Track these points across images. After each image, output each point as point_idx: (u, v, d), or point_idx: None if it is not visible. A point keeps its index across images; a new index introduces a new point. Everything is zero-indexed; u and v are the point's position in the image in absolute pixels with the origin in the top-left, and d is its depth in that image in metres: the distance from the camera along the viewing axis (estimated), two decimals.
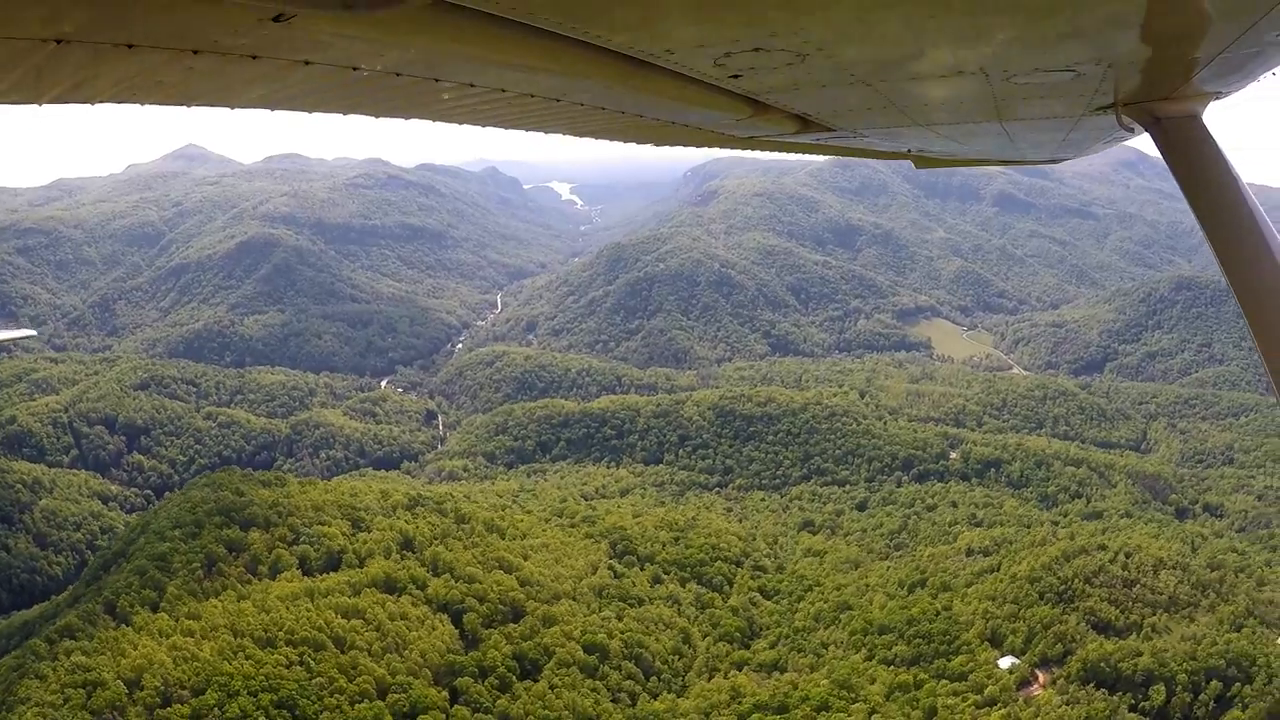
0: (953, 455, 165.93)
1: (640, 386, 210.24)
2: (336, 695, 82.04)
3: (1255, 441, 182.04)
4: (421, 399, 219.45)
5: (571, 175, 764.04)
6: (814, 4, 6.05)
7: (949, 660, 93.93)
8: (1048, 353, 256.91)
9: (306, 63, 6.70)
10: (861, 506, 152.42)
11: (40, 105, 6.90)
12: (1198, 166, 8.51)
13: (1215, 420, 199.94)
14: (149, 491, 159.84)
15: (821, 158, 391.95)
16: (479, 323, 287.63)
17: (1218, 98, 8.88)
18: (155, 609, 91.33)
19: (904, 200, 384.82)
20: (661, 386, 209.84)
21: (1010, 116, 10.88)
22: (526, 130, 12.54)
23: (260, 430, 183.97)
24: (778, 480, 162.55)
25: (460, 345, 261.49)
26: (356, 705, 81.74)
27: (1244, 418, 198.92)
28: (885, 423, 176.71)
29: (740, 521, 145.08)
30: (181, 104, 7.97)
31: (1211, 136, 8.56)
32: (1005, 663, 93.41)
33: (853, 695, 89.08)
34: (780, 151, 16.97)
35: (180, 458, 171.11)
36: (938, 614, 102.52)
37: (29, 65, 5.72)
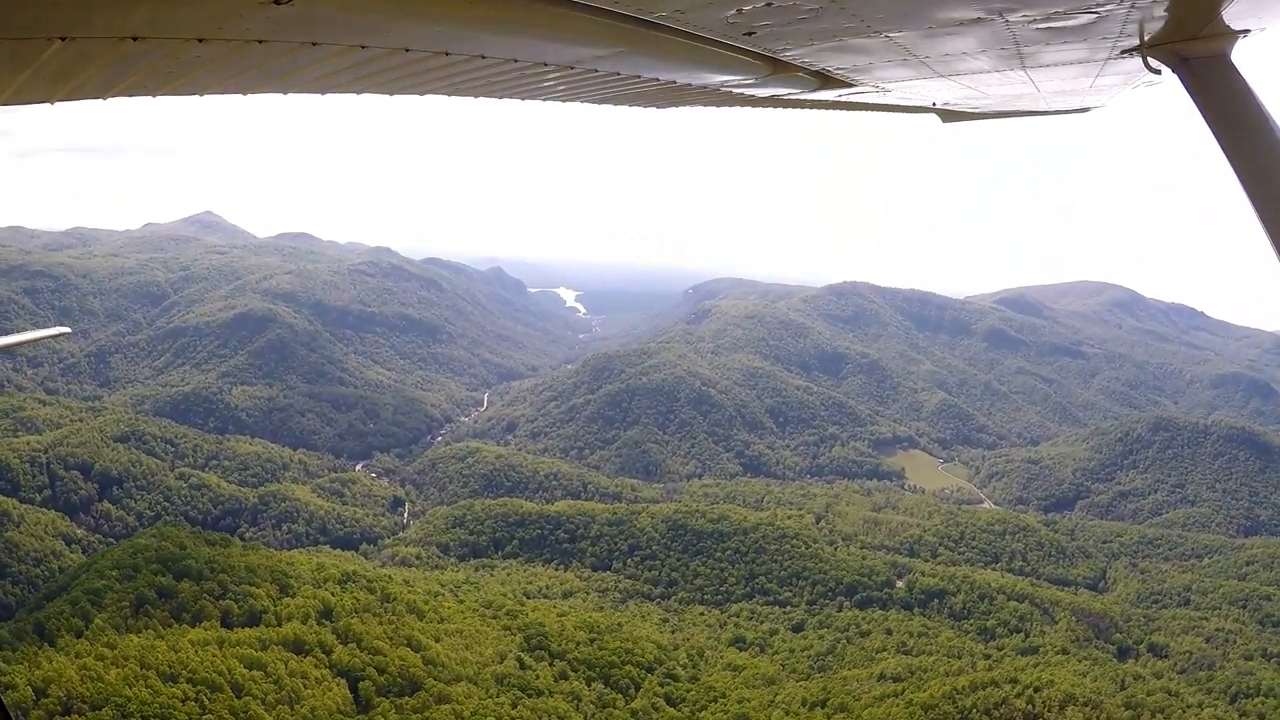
0: (899, 584, 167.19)
1: (605, 495, 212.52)
2: None
3: (1214, 584, 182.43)
4: (393, 486, 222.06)
5: (579, 283, 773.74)
6: None
7: None
8: (1019, 488, 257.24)
9: (314, 44, 6.91)
10: (798, 628, 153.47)
11: (52, 104, 7.20)
12: (1228, 108, 8.39)
13: (1178, 561, 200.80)
14: (112, 539, 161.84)
15: (818, 285, 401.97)
16: (462, 418, 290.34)
17: (1246, 35, 8.64)
18: (79, 635, 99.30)
19: (895, 331, 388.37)
20: (626, 496, 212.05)
21: (1034, 63, 10.77)
22: (541, 100, 12.68)
23: (228, 496, 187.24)
24: (720, 596, 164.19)
25: (440, 438, 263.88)
26: None
27: (1207, 559, 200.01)
28: (835, 548, 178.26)
29: (673, 633, 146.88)
30: (192, 94, 8.22)
31: (1242, 76, 8.49)
32: None
33: None
34: (802, 109, 16.96)
35: (148, 511, 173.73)
36: None
37: (37, 65, 5.96)
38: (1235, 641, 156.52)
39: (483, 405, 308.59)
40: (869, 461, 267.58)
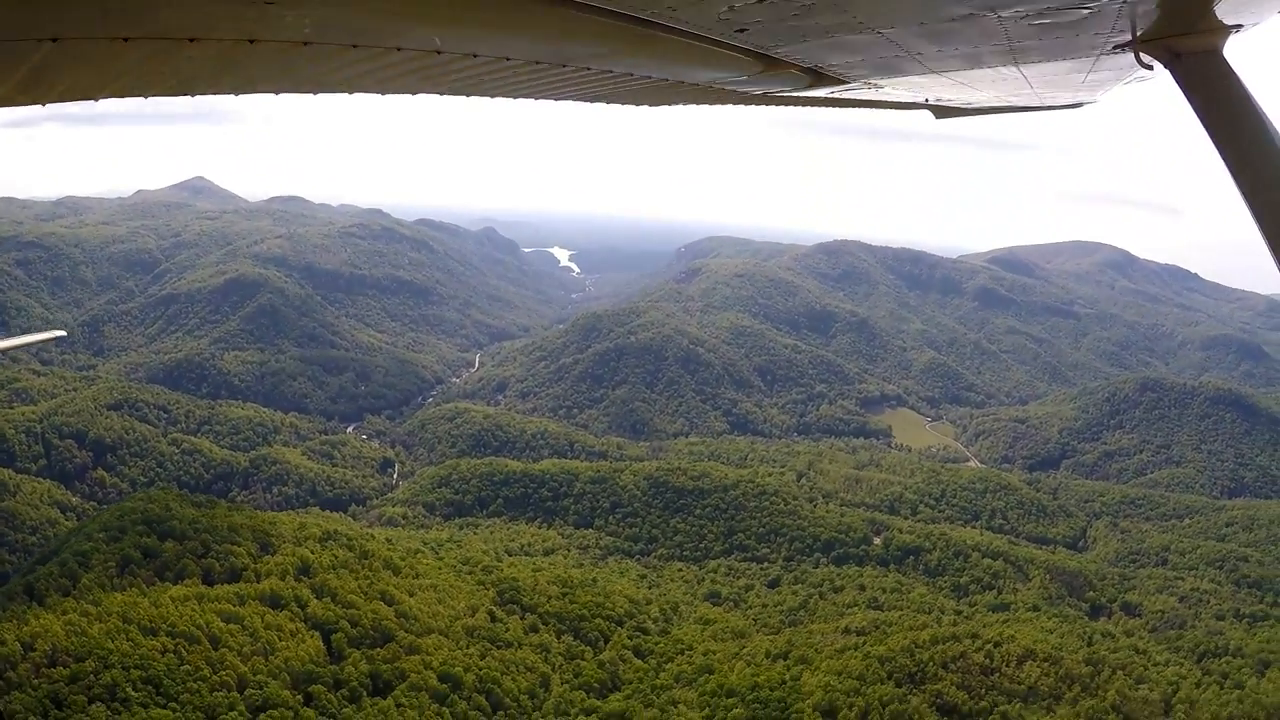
0: (876, 541, 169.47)
1: (591, 453, 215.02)
2: (199, 682, 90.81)
3: (1192, 544, 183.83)
4: (383, 447, 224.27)
5: (573, 242, 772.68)
6: None
7: None
8: (1005, 447, 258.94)
9: (306, 43, 6.90)
10: (773, 584, 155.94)
11: (45, 105, 7.19)
12: (1220, 103, 8.48)
13: (1158, 521, 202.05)
14: (105, 506, 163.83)
15: (809, 243, 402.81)
16: (454, 379, 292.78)
17: (1238, 31, 8.71)
18: (66, 594, 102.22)
19: (885, 290, 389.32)
20: (612, 455, 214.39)
21: (1026, 60, 10.78)
22: (534, 98, 12.64)
23: (220, 461, 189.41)
24: (699, 553, 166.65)
25: (431, 399, 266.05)
26: (214, 693, 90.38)
27: (1187, 520, 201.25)
28: (815, 505, 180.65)
29: (650, 588, 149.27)
30: (184, 94, 8.13)
31: (1234, 71, 8.57)
32: None
33: None
34: (795, 106, 16.78)
35: (141, 478, 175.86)
36: (783, 682, 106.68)
37: (28, 66, 5.98)
38: (1209, 602, 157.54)
39: (474, 366, 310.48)
40: (856, 420, 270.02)
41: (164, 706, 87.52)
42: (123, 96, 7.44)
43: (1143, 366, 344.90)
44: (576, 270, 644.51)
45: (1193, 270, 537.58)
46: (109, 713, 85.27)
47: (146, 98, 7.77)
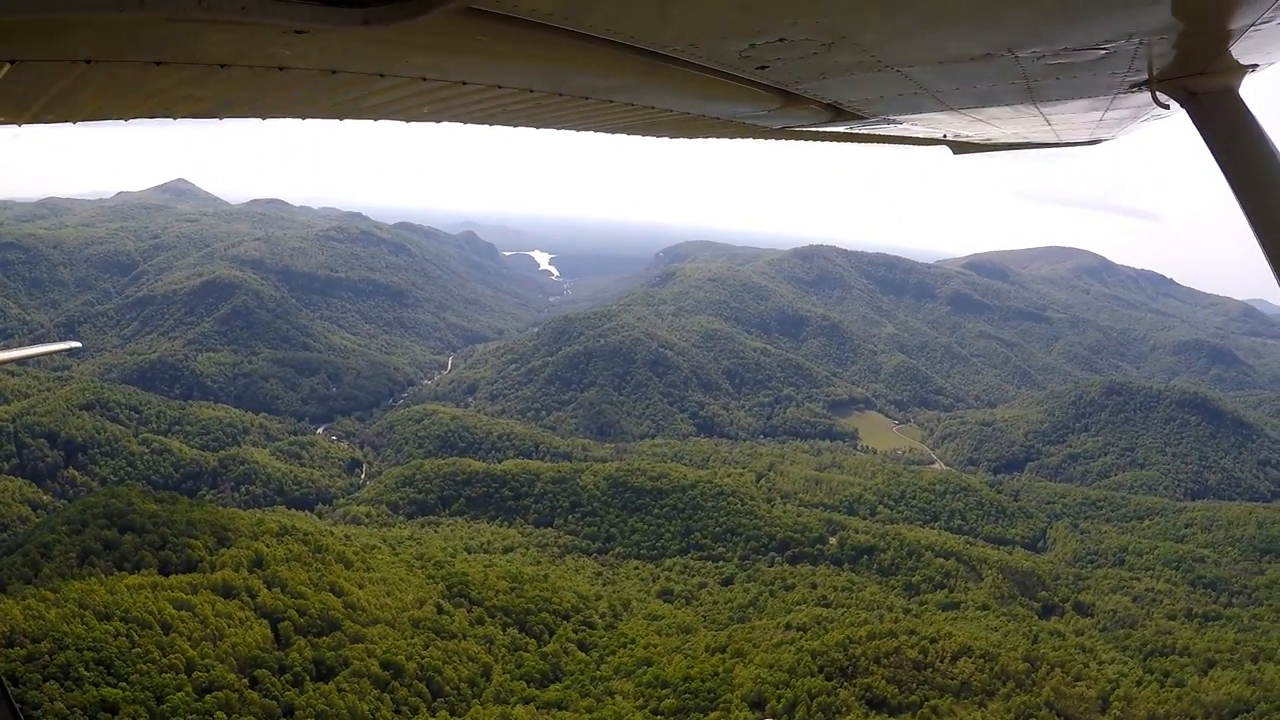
0: (831, 540, 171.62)
1: (556, 454, 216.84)
2: (148, 664, 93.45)
3: (1150, 545, 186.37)
4: (351, 448, 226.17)
5: (554, 245, 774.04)
6: None
7: (705, 714, 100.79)
8: (971, 449, 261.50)
9: (333, 72, 7.06)
10: (727, 582, 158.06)
11: (75, 124, 7.38)
12: (1235, 142, 8.48)
13: (1119, 523, 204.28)
14: None
15: (781, 247, 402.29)
16: (425, 381, 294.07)
17: (1254, 71, 8.80)
18: (28, 582, 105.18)
19: (858, 294, 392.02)
20: (577, 456, 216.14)
21: (1043, 98, 10.87)
22: (555, 129, 12.78)
23: (189, 460, 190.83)
24: (655, 551, 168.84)
25: (402, 401, 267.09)
26: (163, 674, 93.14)
27: (1147, 521, 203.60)
28: (773, 505, 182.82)
29: (604, 586, 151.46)
30: (212, 117, 8.35)
31: (1249, 110, 8.60)
32: None
33: None
34: (815, 140, 16.93)
35: (111, 476, 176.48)
36: (715, 674, 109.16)
37: (61, 86, 6.16)
38: (1162, 602, 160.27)
39: (446, 368, 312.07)
40: (822, 422, 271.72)
41: (114, 686, 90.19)
42: (151, 118, 7.79)
43: (1113, 370, 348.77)
44: (556, 274, 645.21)
45: (1169, 276, 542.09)
46: (62, 690, 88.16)
47: (175, 119, 8.14)
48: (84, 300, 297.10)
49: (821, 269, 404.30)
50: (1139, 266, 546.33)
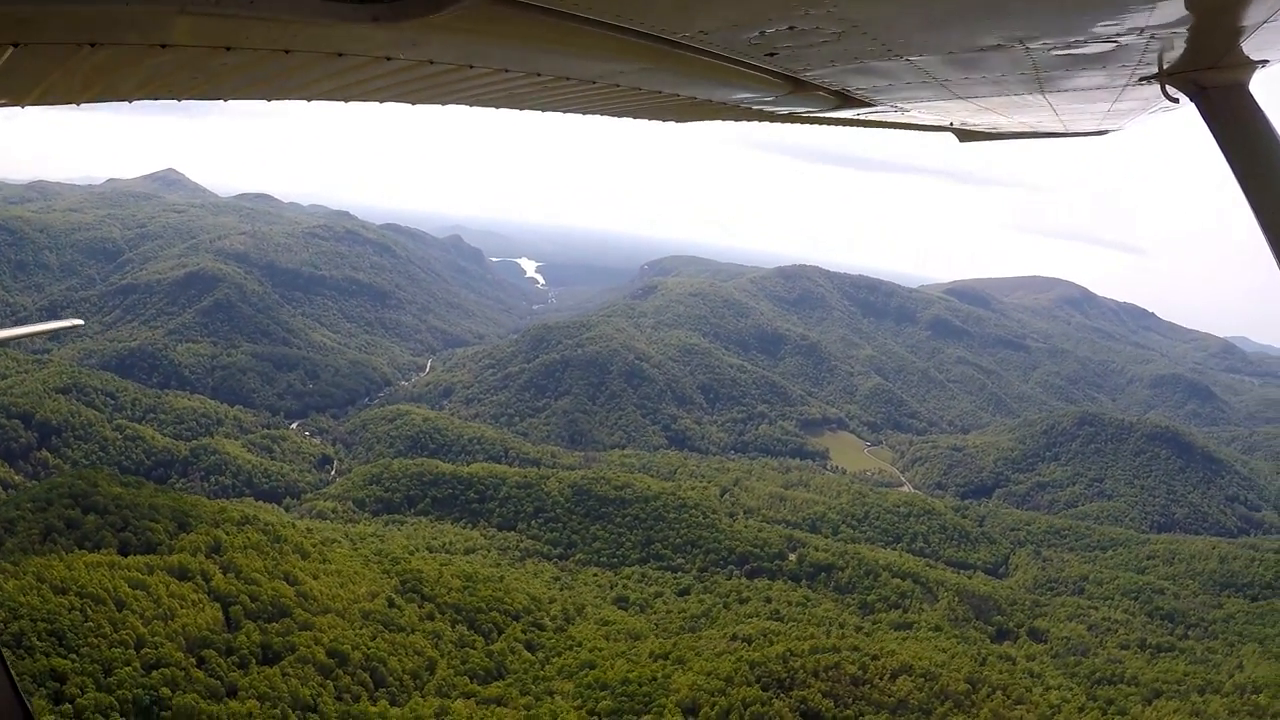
0: (790, 556, 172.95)
1: (525, 460, 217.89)
2: (99, 638, 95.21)
3: (1111, 575, 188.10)
4: (324, 444, 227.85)
5: (542, 254, 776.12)
6: None
7: (638, 717, 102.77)
8: (940, 474, 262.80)
9: (340, 55, 7.07)
10: (684, 593, 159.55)
11: (78, 105, 7.34)
12: (1244, 137, 8.48)
13: (1082, 552, 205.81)
14: None
15: (768, 266, 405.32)
16: (402, 382, 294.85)
17: (1264, 66, 8.72)
18: None
19: (839, 315, 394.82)
20: (545, 462, 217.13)
21: (1052, 89, 10.83)
22: (562, 112, 12.77)
23: (161, 448, 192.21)
24: (615, 559, 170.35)
25: (377, 401, 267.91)
26: (112, 649, 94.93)
27: (1110, 551, 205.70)
28: (735, 520, 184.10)
29: (561, 590, 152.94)
30: (216, 99, 8.34)
31: (1259, 106, 8.60)
32: None
33: None
34: (821, 126, 16.88)
35: (83, 460, 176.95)
36: (654, 679, 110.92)
37: (65, 68, 6.17)
38: (1117, 631, 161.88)
39: (424, 370, 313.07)
40: (794, 440, 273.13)
41: (64, 657, 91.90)
42: (156, 99, 7.86)
43: (1089, 401, 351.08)
44: (542, 282, 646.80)
45: (1151, 310, 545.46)
46: (13, 657, 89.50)
47: (180, 100, 8.16)
48: (68, 285, 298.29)
49: (803, 289, 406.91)
50: (1122, 299, 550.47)
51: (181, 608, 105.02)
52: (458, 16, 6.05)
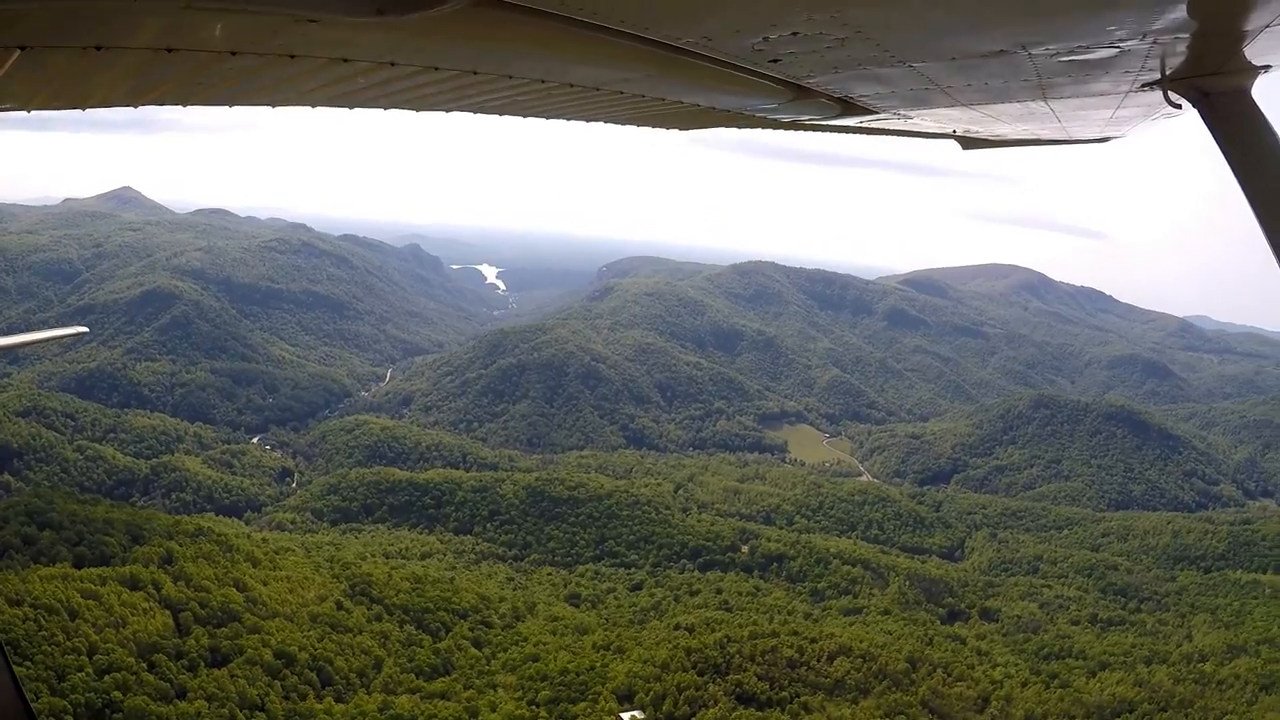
0: (743, 548, 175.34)
1: (483, 465, 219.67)
2: (52, 646, 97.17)
3: (1065, 554, 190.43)
4: (284, 457, 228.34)
5: (502, 259, 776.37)
6: None
7: (573, 705, 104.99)
8: (899, 462, 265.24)
9: (344, 60, 7.04)
10: (637, 587, 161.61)
11: (84, 110, 7.30)
12: (1247, 143, 8.52)
13: (1038, 533, 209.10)
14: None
15: (724, 263, 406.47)
16: (362, 393, 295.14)
17: (1267, 72, 8.79)
18: None
19: (795, 310, 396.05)
20: (503, 466, 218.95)
21: (1055, 95, 10.83)
22: (565, 119, 12.72)
23: (122, 467, 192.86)
24: (569, 558, 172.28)
25: (337, 412, 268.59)
26: (65, 656, 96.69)
27: (1066, 530, 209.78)
28: (688, 514, 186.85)
29: (515, 590, 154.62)
30: (222, 104, 8.33)
31: (1261, 112, 8.65)
32: (627, 715, 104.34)
33: (469, 718, 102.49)
34: (824, 132, 16.92)
35: (45, 482, 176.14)
36: (591, 668, 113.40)
37: (71, 72, 6.28)
38: (1069, 608, 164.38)
39: (384, 380, 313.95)
40: (752, 435, 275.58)
41: (19, 664, 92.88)
42: (162, 104, 7.83)
43: (1047, 385, 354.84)
44: (502, 288, 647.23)
45: (1109, 293, 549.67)
46: None
47: (186, 106, 8.19)
48: (25, 308, 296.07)
49: (759, 284, 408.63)
50: (1079, 284, 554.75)
51: (133, 615, 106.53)
52: (462, 21, 6.09)
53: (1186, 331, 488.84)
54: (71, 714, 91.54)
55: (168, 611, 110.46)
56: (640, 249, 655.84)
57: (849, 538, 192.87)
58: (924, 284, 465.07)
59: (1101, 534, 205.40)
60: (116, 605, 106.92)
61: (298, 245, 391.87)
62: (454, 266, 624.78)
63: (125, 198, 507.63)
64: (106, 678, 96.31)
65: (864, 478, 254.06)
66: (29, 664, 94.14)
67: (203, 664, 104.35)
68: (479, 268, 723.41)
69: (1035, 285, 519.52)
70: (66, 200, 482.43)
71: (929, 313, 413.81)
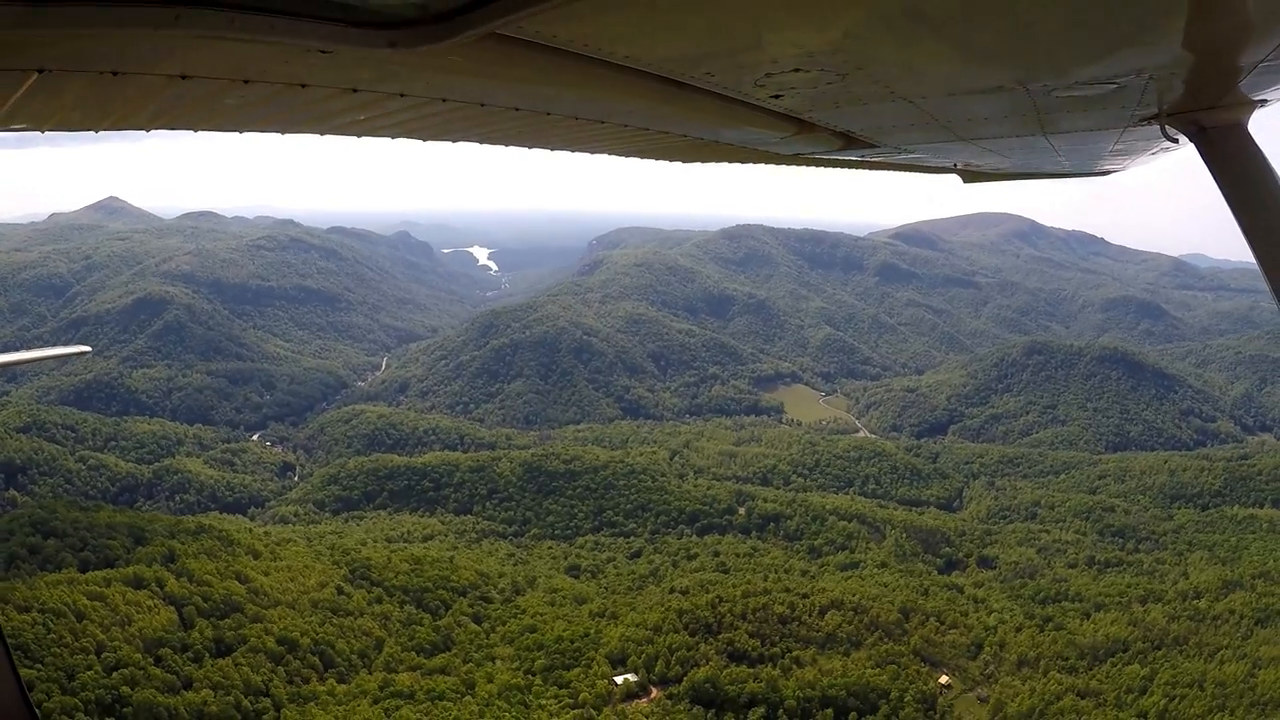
0: (740, 510, 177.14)
1: (481, 445, 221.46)
2: (61, 647, 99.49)
3: (1063, 498, 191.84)
4: (284, 452, 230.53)
5: (493, 240, 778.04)
6: (851, 25, 6.33)
7: (567, 671, 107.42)
8: (895, 416, 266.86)
9: (354, 90, 7.16)
10: (635, 555, 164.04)
11: (96, 132, 7.46)
12: (1243, 176, 8.57)
13: (1035, 479, 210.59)
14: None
15: (714, 229, 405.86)
16: (359, 383, 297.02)
17: (1263, 106, 8.90)
18: None
19: (786, 271, 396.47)
20: (500, 445, 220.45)
21: (1054, 130, 10.90)
22: (571, 151, 12.73)
23: (125, 474, 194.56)
24: (569, 531, 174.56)
25: (335, 404, 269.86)
26: (74, 656, 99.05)
27: (1062, 475, 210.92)
28: (684, 480, 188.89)
29: (516, 565, 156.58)
30: (233, 130, 8.38)
31: (1256, 145, 8.72)
32: (620, 678, 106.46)
33: (466, 691, 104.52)
34: (827, 167, 16.90)
35: (50, 495, 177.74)
36: (585, 635, 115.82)
37: (87, 95, 6.36)
38: (1067, 551, 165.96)
39: (380, 369, 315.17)
40: (748, 398, 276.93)
41: (30, 667, 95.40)
42: (174, 129, 7.85)
43: (1041, 331, 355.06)
44: (495, 268, 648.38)
45: (1101, 235, 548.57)
46: None
47: (197, 132, 8.21)
48: (19, 326, 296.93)
49: (749, 248, 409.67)
50: (1071, 228, 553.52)
51: (137, 613, 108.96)
52: (472, 54, 6.14)
53: (1181, 270, 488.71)
54: (83, 711, 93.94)
55: (171, 607, 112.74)
56: (630, 220, 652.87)
57: (846, 494, 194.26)
58: (914, 237, 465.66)
59: (1099, 476, 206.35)
60: (121, 605, 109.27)
61: (286, 241, 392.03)
62: (445, 251, 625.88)
63: (111, 207, 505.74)
64: (115, 674, 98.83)
65: (860, 434, 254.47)
66: (39, 666, 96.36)
67: (207, 655, 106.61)
68: (471, 250, 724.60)
69: (1026, 232, 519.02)
70: (53, 215, 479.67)
71: (920, 266, 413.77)
